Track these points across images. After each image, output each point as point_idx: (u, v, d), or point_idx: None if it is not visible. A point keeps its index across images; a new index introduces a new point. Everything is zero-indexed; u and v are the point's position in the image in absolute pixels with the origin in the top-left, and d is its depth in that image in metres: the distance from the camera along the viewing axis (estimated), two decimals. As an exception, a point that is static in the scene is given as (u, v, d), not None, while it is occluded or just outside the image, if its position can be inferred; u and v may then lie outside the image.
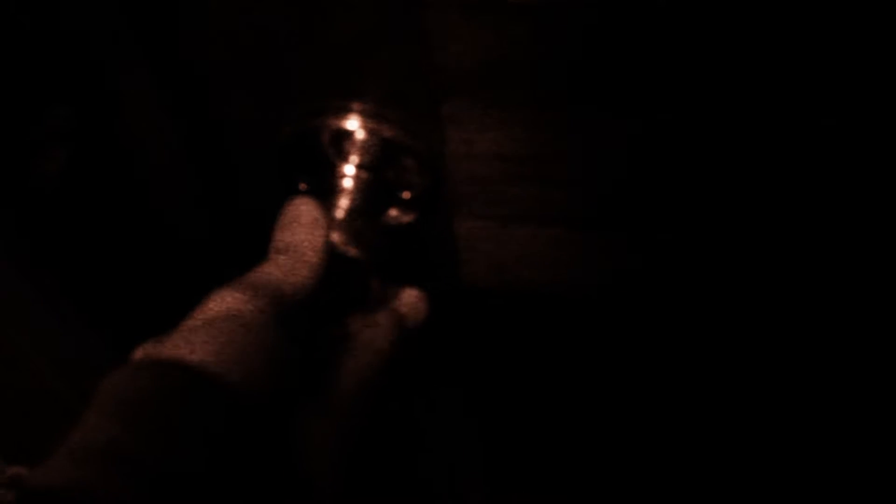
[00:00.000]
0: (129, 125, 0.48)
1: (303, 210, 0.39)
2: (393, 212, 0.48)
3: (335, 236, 0.42)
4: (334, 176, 0.45)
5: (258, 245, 0.40)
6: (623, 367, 0.60)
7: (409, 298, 0.42)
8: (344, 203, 0.44)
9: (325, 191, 0.45)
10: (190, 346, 0.32)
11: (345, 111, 0.44)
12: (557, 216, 0.47)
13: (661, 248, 0.48)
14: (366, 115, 0.44)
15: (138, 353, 0.34)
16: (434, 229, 0.50)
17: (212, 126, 0.48)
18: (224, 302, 0.34)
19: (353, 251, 0.42)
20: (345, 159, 0.45)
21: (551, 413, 0.67)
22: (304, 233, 0.39)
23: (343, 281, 0.41)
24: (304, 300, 0.37)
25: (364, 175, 0.44)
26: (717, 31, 0.37)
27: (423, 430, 0.70)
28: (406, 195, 0.47)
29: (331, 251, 0.39)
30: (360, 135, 0.44)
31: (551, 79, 0.40)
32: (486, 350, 0.61)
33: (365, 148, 0.44)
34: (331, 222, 0.42)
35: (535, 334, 0.59)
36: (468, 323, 0.57)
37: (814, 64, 0.37)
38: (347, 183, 0.45)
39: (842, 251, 0.45)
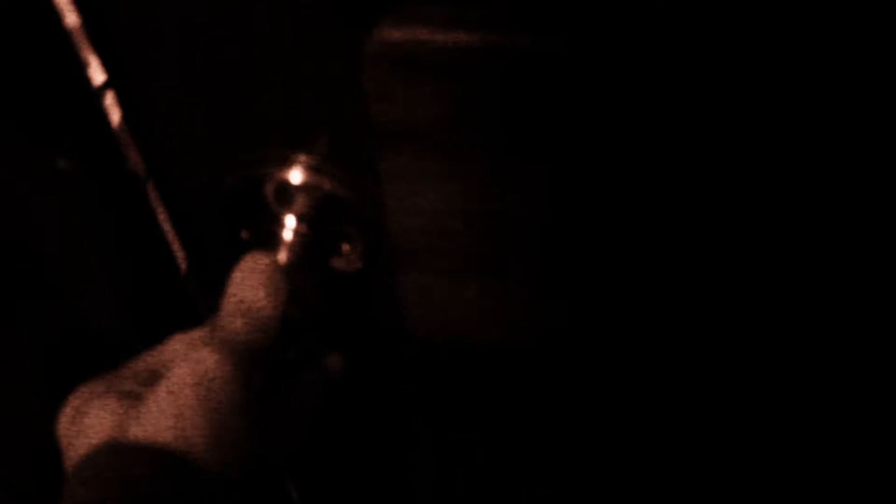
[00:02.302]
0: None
1: (262, 268, 0.40)
2: (336, 263, 0.48)
3: None
4: (276, 227, 0.45)
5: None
6: (572, 416, 0.60)
7: (333, 362, 0.44)
8: (284, 257, 0.44)
9: (267, 241, 0.45)
10: (175, 423, 0.33)
11: (287, 163, 0.44)
12: (498, 270, 0.47)
13: (605, 303, 0.48)
14: (308, 168, 0.44)
15: (101, 419, 0.34)
16: (379, 281, 0.50)
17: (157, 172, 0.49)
18: (203, 364, 0.35)
19: (292, 311, 0.42)
20: (287, 211, 0.45)
21: (504, 470, 0.66)
22: (266, 294, 0.39)
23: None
24: (263, 362, 0.38)
25: (305, 228, 0.45)
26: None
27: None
28: (347, 248, 0.47)
29: None
30: (302, 187, 0.44)
31: (489, 135, 0.41)
32: (438, 403, 0.61)
33: (307, 200, 0.44)
34: None
35: (483, 387, 0.58)
36: (415, 377, 0.57)
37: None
38: (288, 235, 0.45)
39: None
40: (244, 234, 0.48)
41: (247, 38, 0.41)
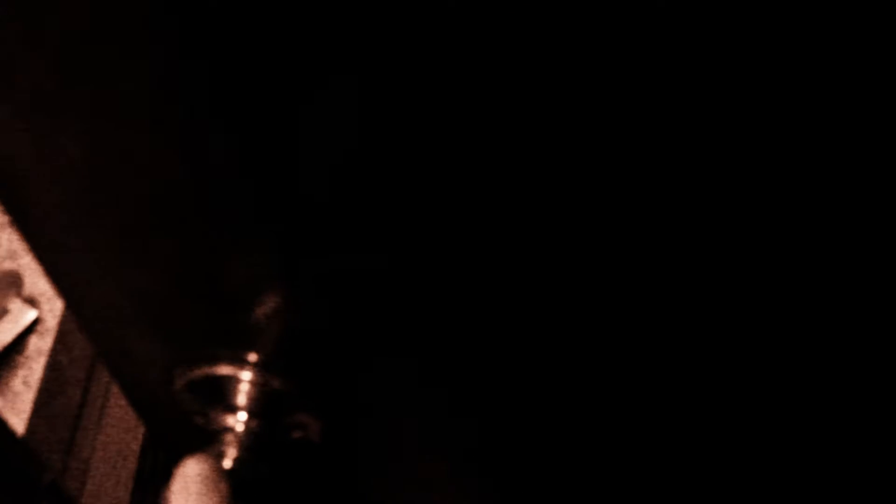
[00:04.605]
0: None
1: (202, 473, 0.40)
2: (289, 449, 0.48)
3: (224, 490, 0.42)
4: (227, 420, 0.45)
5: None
6: None
7: None
8: (233, 453, 0.44)
9: (218, 432, 0.45)
10: None
11: (237, 361, 0.44)
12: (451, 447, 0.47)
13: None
14: (256, 365, 0.44)
15: None
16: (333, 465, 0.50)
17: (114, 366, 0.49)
18: None
19: None
20: (237, 405, 0.45)
21: None
22: (206, 500, 0.39)
23: None
24: None
25: (256, 422, 0.45)
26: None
27: None
28: (300, 435, 0.47)
29: None
30: (250, 384, 0.44)
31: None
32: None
33: (257, 396, 0.45)
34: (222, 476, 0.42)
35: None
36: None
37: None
38: (239, 428, 0.45)
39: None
40: (199, 421, 0.48)
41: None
